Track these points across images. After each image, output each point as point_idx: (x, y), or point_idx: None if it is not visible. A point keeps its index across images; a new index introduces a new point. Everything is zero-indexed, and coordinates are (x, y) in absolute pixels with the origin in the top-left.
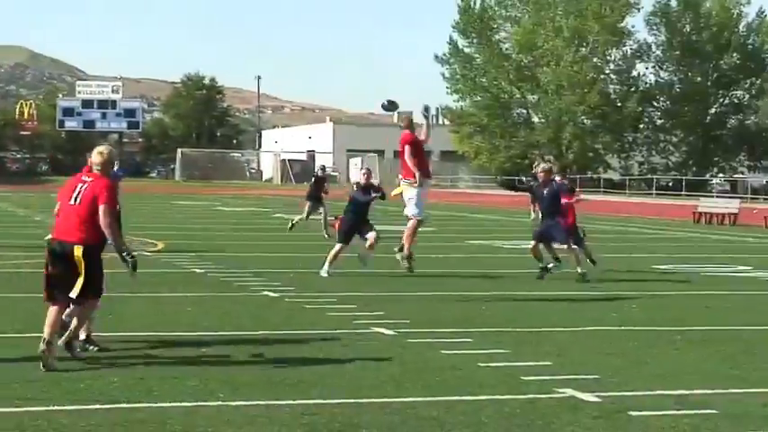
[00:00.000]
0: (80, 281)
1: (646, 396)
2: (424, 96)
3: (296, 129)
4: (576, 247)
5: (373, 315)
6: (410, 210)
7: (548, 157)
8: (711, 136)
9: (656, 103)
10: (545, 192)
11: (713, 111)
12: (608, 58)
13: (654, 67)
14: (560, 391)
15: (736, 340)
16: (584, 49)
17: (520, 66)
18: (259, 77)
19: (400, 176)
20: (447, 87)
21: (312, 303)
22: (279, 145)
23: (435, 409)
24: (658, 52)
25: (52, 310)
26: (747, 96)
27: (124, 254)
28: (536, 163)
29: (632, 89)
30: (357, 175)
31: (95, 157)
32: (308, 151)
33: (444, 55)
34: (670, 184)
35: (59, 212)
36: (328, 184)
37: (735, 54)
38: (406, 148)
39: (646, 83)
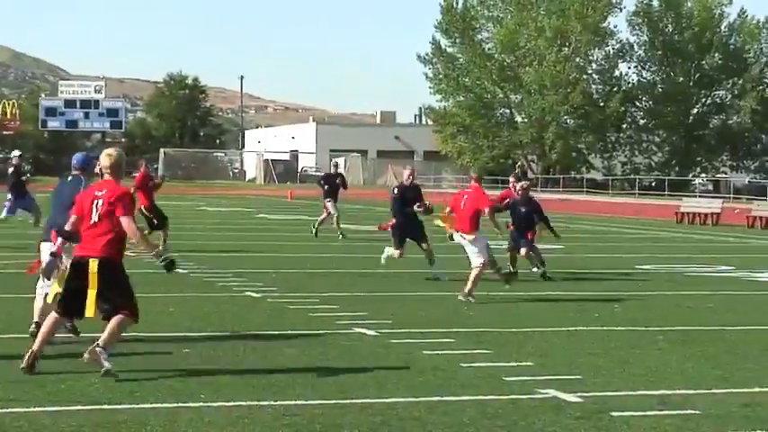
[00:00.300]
0: (91, 294)
1: (628, 396)
2: (407, 96)
3: (279, 129)
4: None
5: (356, 315)
6: (476, 260)
7: (519, 164)
8: (694, 136)
9: (638, 103)
10: (523, 210)
11: (695, 111)
12: (590, 57)
13: (636, 66)
14: (542, 391)
15: (718, 340)
16: (566, 48)
17: (503, 66)
18: (242, 77)
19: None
20: (430, 87)
21: (295, 304)
22: (262, 145)
23: (417, 409)
24: (641, 52)
25: (50, 321)
26: (729, 96)
27: (156, 257)
28: (518, 163)
29: (615, 89)
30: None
31: (103, 159)
32: (291, 151)
33: (427, 55)
34: (653, 183)
35: (81, 230)
36: (344, 180)
37: (716, 54)
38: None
39: (628, 83)
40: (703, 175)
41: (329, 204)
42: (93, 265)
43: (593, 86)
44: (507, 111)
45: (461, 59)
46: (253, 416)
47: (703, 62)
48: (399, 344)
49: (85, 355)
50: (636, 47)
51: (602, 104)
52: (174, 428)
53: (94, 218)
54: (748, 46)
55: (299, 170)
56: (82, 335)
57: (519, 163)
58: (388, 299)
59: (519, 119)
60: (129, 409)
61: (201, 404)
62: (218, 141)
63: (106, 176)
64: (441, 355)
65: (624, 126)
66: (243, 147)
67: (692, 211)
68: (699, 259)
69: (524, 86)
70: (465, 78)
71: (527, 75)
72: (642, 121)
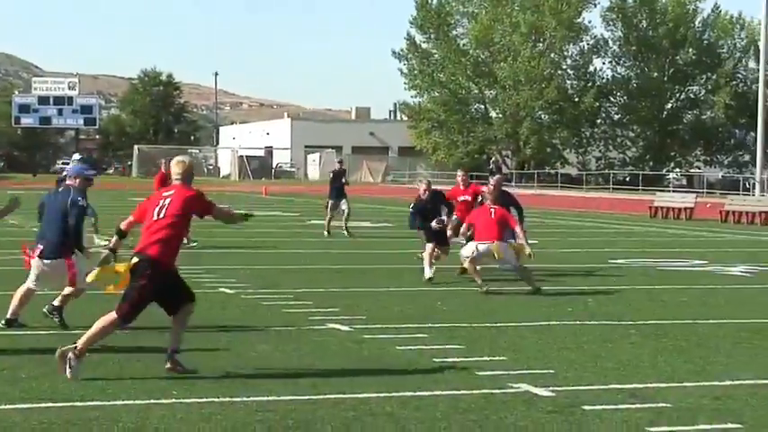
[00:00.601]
0: (115, 288)
1: (600, 390)
2: (382, 92)
3: (254, 125)
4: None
5: (329, 311)
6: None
7: (494, 159)
8: (668, 131)
9: (612, 99)
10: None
11: (669, 106)
12: (565, 53)
13: (611, 62)
14: (515, 385)
15: (690, 334)
16: (541, 44)
17: (477, 61)
18: (216, 73)
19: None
20: (405, 83)
21: (268, 300)
22: (236, 141)
23: (390, 404)
24: (615, 47)
25: (182, 314)
26: (703, 91)
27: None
28: (493, 159)
29: (589, 84)
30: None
31: (175, 167)
32: (266, 147)
33: (402, 51)
34: (627, 178)
35: (142, 229)
36: (346, 178)
37: (691, 49)
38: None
39: (603, 78)
40: (677, 169)
41: (341, 203)
42: (137, 262)
43: (568, 82)
44: (482, 106)
45: (436, 55)
46: (225, 412)
47: (677, 57)
48: (373, 339)
49: (168, 366)
50: (610, 42)
51: (576, 100)
52: (146, 425)
53: (158, 214)
54: (722, 41)
55: (274, 166)
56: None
57: (493, 158)
58: (363, 295)
59: (493, 114)
60: (100, 407)
61: (174, 401)
62: (192, 138)
63: (176, 182)
64: (414, 350)
65: (598, 121)
66: (217, 143)
67: (665, 205)
68: (672, 254)
69: (499, 82)
70: (440, 74)
71: (502, 70)
72: (616, 117)
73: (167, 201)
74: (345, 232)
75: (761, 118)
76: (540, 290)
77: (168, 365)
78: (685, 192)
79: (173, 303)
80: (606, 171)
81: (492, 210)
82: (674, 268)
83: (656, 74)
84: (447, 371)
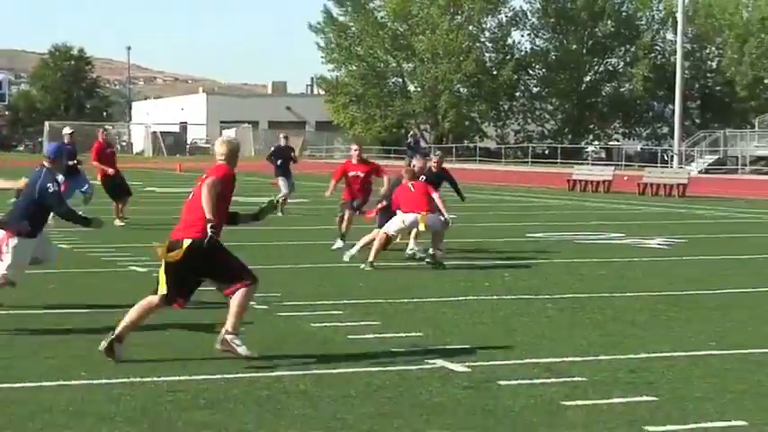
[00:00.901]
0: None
1: (515, 365)
2: (299, 66)
3: (168, 100)
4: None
5: None
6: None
7: (412, 133)
8: (586, 103)
9: (531, 71)
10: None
11: (588, 78)
12: (483, 25)
13: (529, 34)
14: (430, 362)
15: (607, 307)
16: (459, 16)
17: (395, 34)
18: (129, 48)
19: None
20: (322, 57)
21: None
22: (150, 117)
23: (303, 382)
24: (534, 20)
25: (238, 297)
26: (622, 64)
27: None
28: (411, 133)
29: (508, 57)
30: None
31: (219, 147)
32: (181, 123)
33: (319, 24)
34: (546, 152)
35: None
36: (296, 154)
37: (609, 21)
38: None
39: (521, 51)
40: (596, 142)
41: (280, 181)
42: (184, 245)
43: (487, 54)
44: (400, 80)
45: (353, 28)
46: (134, 393)
47: (596, 29)
48: (287, 317)
49: (217, 346)
50: (529, 14)
51: (495, 73)
52: (54, 406)
53: (190, 195)
54: (640, 13)
55: (189, 142)
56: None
57: (411, 132)
58: (277, 271)
59: (412, 88)
60: (7, 388)
61: (83, 381)
62: (104, 114)
63: (219, 162)
64: (329, 327)
65: (517, 94)
66: (130, 119)
67: (583, 178)
68: (590, 227)
69: (417, 55)
70: (357, 47)
71: (420, 43)
72: (535, 90)
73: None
74: (280, 213)
75: (678, 90)
76: (444, 266)
77: (219, 346)
78: (604, 164)
79: (221, 282)
80: (525, 144)
81: (410, 185)
82: (591, 241)
83: (574, 46)
84: (362, 347)
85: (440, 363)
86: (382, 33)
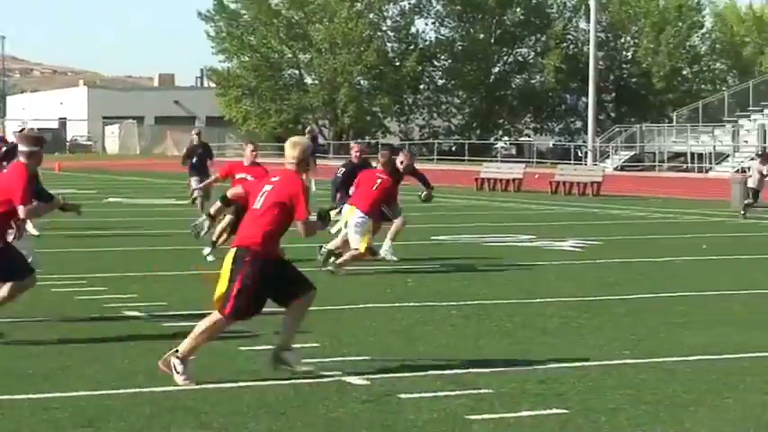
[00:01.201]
0: (221, 285)
1: (418, 377)
2: (187, 57)
3: (46, 94)
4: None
5: (126, 298)
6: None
7: (309, 129)
8: (495, 96)
9: (436, 62)
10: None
11: (497, 70)
12: (385, 13)
13: (434, 23)
14: (327, 374)
15: (515, 314)
16: (359, 4)
17: (291, 23)
18: (3, 38)
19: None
20: (212, 47)
21: (60, 286)
22: (27, 112)
23: (191, 398)
24: (438, 7)
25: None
26: (532, 54)
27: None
28: (308, 128)
29: (411, 47)
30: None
31: (289, 149)
32: (60, 119)
33: (209, 11)
34: (453, 148)
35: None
36: (209, 150)
37: (518, 9)
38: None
39: (425, 40)
40: (506, 138)
41: (193, 182)
42: (238, 253)
43: (389, 44)
44: (296, 72)
45: (246, 16)
46: (4, 412)
47: (504, 18)
48: (173, 327)
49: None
50: (433, 2)
51: (397, 64)
52: None
53: (258, 203)
54: (551, 0)
55: (69, 139)
56: None
57: (308, 128)
58: (162, 279)
59: (309, 80)
60: None
61: None
62: None
63: (288, 166)
64: (219, 337)
65: (422, 87)
66: (5, 114)
67: (492, 176)
68: (499, 228)
69: (314, 45)
70: (250, 37)
71: (317, 32)
72: (441, 82)
73: (268, 188)
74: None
75: (592, 82)
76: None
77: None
78: (514, 162)
79: (281, 295)
80: (430, 140)
81: (379, 179)
82: (500, 244)
83: (482, 35)
84: (254, 360)
85: (337, 375)
86: (277, 22)
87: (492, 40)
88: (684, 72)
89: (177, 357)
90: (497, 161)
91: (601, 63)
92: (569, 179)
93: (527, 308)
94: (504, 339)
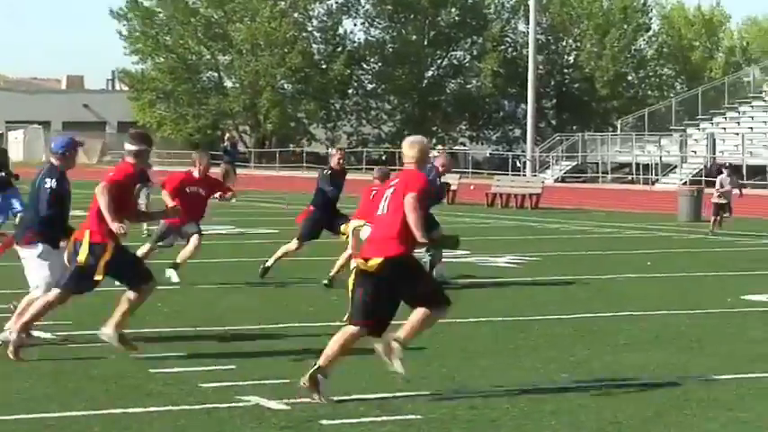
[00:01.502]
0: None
1: (341, 401)
2: (98, 58)
3: None
4: None
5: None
6: None
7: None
8: (429, 102)
9: (366, 65)
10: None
11: (430, 73)
12: (311, 13)
13: (363, 23)
14: (244, 398)
15: (447, 334)
16: (283, 2)
17: (209, 22)
18: None
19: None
20: (125, 47)
21: None
22: None
23: (97, 423)
24: (368, 6)
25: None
26: (468, 57)
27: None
28: (227, 136)
29: (339, 49)
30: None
31: (408, 150)
32: None
33: (121, 9)
34: (383, 157)
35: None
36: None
37: (453, 9)
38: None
39: (354, 42)
40: (440, 146)
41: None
42: (378, 266)
43: (315, 46)
44: (215, 74)
45: (162, 15)
46: None
47: (439, 18)
48: (80, 348)
49: (377, 346)
50: (362, 1)
51: (324, 67)
52: None
53: (382, 209)
54: (488, 1)
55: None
56: None
57: (227, 135)
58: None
59: (229, 84)
60: None
61: None
62: None
63: (410, 166)
64: (127, 359)
65: (350, 91)
66: None
67: None
68: None
69: (234, 46)
70: (166, 37)
71: (237, 32)
72: (370, 86)
73: (390, 191)
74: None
75: (531, 87)
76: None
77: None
78: (448, 172)
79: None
80: (359, 149)
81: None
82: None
83: (414, 37)
84: (164, 383)
85: (255, 399)
86: (194, 21)
87: (425, 42)
88: (630, 77)
89: (320, 374)
90: None
91: (541, 67)
92: (507, 191)
93: (460, 328)
94: (433, 361)
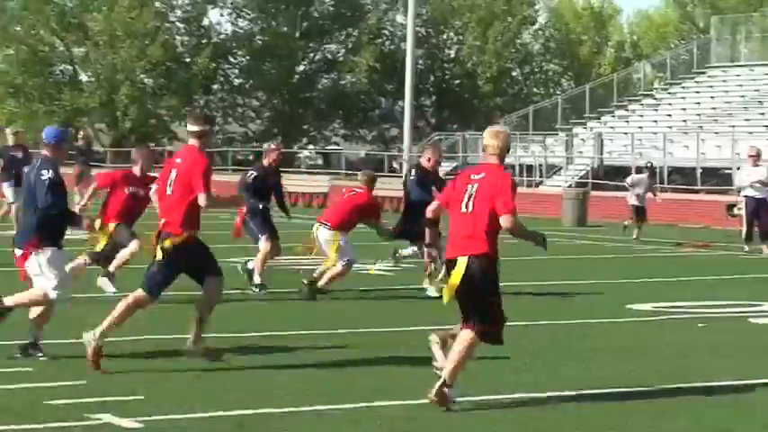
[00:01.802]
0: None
1: (199, 419)
2: None
3: None
4: None
5: None
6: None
7: (82, 135)
8: (300, 99)
9: (232, 59)
10: None
11: (302, 68)
12: (173, 2)
13: (230, 14)
14: (94, 416)
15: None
16: None
17: (63, 11)
18: None
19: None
20: None
21: None
22: None
23: None
24: None
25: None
26: (343, 51)
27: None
28: (81, 135)
29: (204, 41)
30: None
31: (491, 139)
32: None
33: None
34: (250, 157)
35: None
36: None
37: (327, 0)
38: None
39: (220, 33)
40: (311, 146)
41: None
42: (461, 263)
43: (178, 38)
44: (70, 67)
45: (12, 3)
46: None
47: (312, 9)
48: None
49: (431, 397)
50: None
51: (188, 60)
52: None
53: (466, 206)
54: None
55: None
56: None
57: (81, 133)
58: None
59: (84, 78)
60: None
61: None
62: None
63: (490, 159)
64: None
65: (215, 87)
66: None
67: (295, 190)
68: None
69: (91, 37)
70: (16, 26)
71: (94, 22)
72: (237, 81)
73: (473, 188)
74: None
75: (409, 83)
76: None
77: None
78: (321, 173)
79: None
80: (224, 148)
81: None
82: (308, 267)
83: (285, 29)
84: (6, 400)
85: (106, 417)
86: (47, 9)
87: (297, 35)
88: (514, 73)
89: (447, 387)
90: (302, 172)
91: (420, 63)
92: (383, 194)
93: (359, 338)
94: (315, 379)
